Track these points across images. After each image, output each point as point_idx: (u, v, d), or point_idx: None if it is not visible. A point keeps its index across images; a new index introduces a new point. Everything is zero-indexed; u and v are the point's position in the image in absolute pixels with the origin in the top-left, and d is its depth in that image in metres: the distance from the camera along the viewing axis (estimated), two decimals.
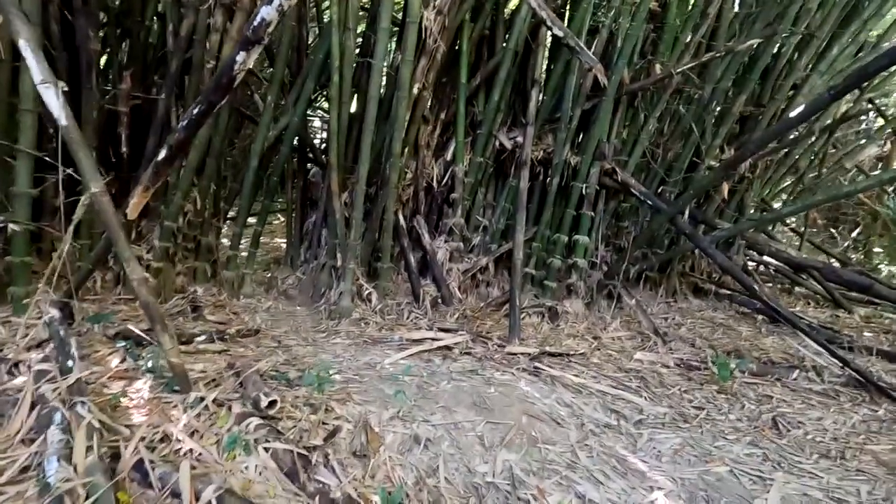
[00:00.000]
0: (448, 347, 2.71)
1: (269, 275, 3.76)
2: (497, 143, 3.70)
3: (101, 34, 2.85)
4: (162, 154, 1.59)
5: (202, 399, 1.62)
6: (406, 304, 3.36)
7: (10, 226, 2.38)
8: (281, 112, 3.34)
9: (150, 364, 1.86)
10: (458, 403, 1.98)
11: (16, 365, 1.82)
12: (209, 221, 3.32)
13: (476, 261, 3.69)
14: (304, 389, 1.88)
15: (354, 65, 3.11)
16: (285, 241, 4.05)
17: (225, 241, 3.61)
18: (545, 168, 3.66)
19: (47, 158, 2.37)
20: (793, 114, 3.60)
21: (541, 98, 3.53)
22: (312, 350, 2.61)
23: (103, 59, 3.09)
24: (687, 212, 3.21)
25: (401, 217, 3.54)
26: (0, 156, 2.40)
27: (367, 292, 3.27)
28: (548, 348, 2.77)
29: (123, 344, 2.05)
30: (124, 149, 3.09)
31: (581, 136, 3.66)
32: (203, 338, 2.41)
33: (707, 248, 3.03)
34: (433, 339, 2.82)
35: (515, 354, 2.62)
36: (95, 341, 2.21)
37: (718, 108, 3.76)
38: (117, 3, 3.12)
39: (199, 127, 1.61)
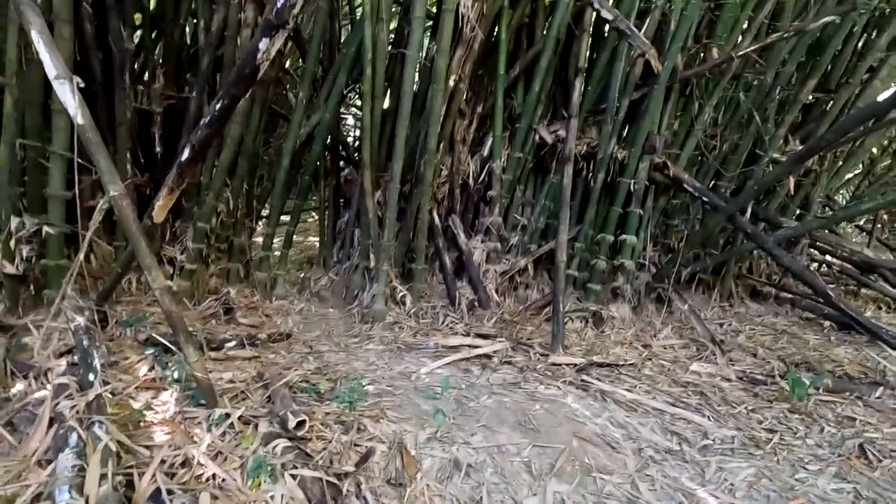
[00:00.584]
0: (487, 356, 2.54)
1: (303, 275, 3.69)
2: (537, 138, 3.49)
3: (136, 34, 2.82)
4: (185, 154, 1.49)
5: (227, 416, 1.51)
6: (441, 307, 3.21)
7: (45, 228, 2.35)
8: (313, 109, 3.24)
9: (176, 374, 1.77)
10: (500, 422, 1.81)
11: (45, 373, 1.77)
12: (242, 222, 3.26)
13: (514, 262, 3.50)
14: (335, 404, 1.76)
15: (388, 58, 2.97)
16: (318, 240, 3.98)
17: (259, 241, 3.56)
18: (589, 163, 3.43)
19: (80, 161, 2.33)
20: (882, 97, 3.23)
21: (584, 88, 3.29)
22: (345, 357, 2.50)
23: (140, 61, 3.07)
24: (749, 209, 2.91)
25: (436, 216, 3.39)
26: (34, 158, 2.38)
27: (400, 295, 3.14)
28: (595, 358, 2.56)
29: (152, 351, 1.98)
30: (158, 149, 3.06)
31: (628, 128, 3.41)
32: (233, 343, 2.33)
33: (773, 249, 2.75)
34: (470, 347, 2.66)
35: (560, 365, 2.43)
36: (126, 347, 2.16)
37: (782, 95, 3.43)
38: (153, 3, 3.09)
39: (223, 123, 1.50)
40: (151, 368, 1.89)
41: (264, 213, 3.70)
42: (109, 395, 1.65)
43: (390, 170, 2.96)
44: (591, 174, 3.43)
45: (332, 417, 1.65)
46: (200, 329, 2.62)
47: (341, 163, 3.76)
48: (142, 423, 1.50)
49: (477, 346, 2.64)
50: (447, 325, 3.04)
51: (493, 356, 2.54)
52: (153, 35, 3.12)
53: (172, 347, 2.13)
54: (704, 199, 3.05)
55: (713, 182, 3.60)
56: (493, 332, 2.94)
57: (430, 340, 2.72)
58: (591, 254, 3.43)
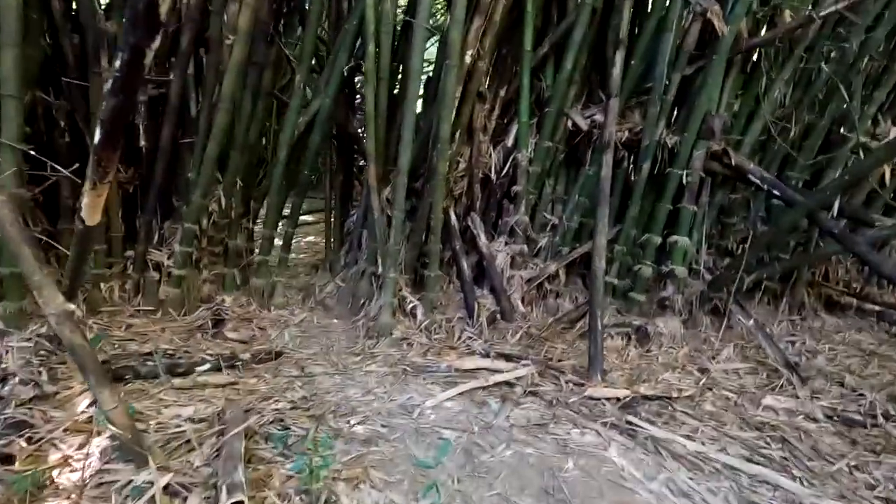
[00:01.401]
0: (509, 384, 2.11)
1: (308, 281, 3.34)
2: (569, 124, 3.02)
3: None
4: (97, 135, 1.13)
5: (151, 484, 1.14)
6: (458, 319, 2.79)
7: None
8: (313, 95, 2.88)
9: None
10: (520, 489, 1.38)
11: None
12: (237, 222, 2.93)
13: (543, 267, 3.04)
14: (304, 458, 1.37)
15: (395, 32, 2.57)
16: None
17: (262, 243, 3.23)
18: (631, 152, 2.93)
19: (33, 153, 2.04)
20: None
21: (626, 64, 2.80)
22: (340, 382, 2.12)
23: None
24: (836, 205, 2.36)
25: (452, 215, 2.97)
26: None
27: (411, 305, 2.74)
28: (642, 388, 2.09)
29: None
30: (143, 142, 2.76)
31: (678, 109, 2.89)
32: (206, 367, 1.98)
33: (868, 255, 2.21)
34: (489, 371, 2.23)
35: (599, 399, 1.97)
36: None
37: (870, 66, 2.84)
38: None
39: (132, 87, 1.13)
40: (93, 403, 1.55)
41: (263, 212, 3.35)
42: (23, 444, 1.31)
43: (398, 163, 2.56)
44: (633, 165, 2.94)
45: (293, 484, 1.26)
46: (179, 346, 2.30)
47: (354, 156, 3.40)
48: (44, 491, 1.15)
49: (497, 371, 2.21)
50: (463, 341, 2.62)
51: (517, 384, 2.10)
52: None
53: (147, 366, 1.81)
54: (776, 193, 2.52)
55: (780, 172, 3.04)
56: (516, 352, 2.51)
57: (442, 362, 2.31)
58: (633, 258, 2.93)
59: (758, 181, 2.59)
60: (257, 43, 2.56)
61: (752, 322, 2.66)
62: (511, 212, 3.01)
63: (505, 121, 3.08)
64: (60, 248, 2.66)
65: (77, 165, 2.46)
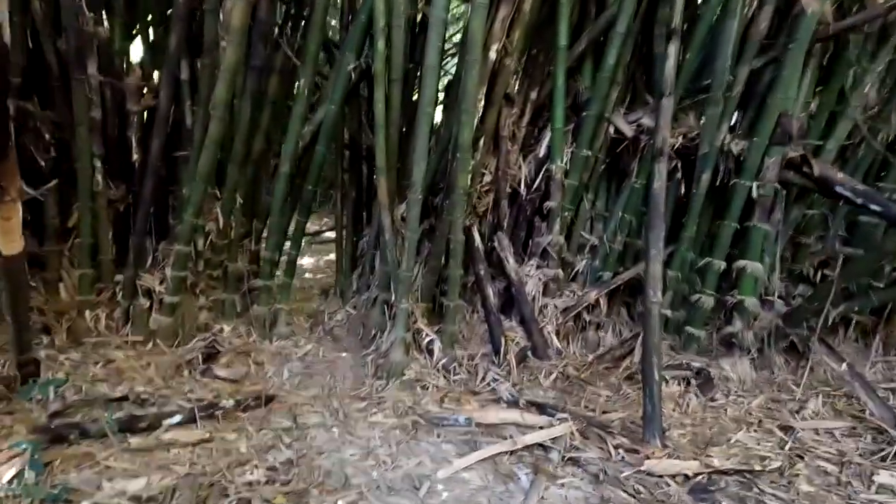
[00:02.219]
0: (542, 446, 1.70)
1: (318, 307, 3.03)
2: (611, 130, 2.63)
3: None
4: None
5: None
6: (481, 356, 2.40)
7: None
8: (320, 101, 2.59)
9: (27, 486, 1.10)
10: None
11: None
12: (237, 243, 2.64)
13: (581, 295, 2.63)
14: None
15: (409, 27, 2.25)
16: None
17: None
18: (685, 161, 2.50)
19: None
20: None
21: (681, 58, 2.38)
22: (336, 437, 1.76)
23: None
24: None
25: (476, 235, 2.60)
26: None
27: (427, 340, 2.37)
28: (715, 460, 1.64)
29: (26, 446, 1.32)
30: (135, 156, 2.53)
31: (744, 109, 2.45)
32: (177, 419, 1.65)
33: None
34: (518, 426, 1.83)
35: (660, 476, 1.54)
36: (24, 426, 1.54)
37: None
38: None
39: None
40: (15, 479, 1.24)
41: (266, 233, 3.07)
42: None
43: (412, 176, 2.21)
44: (686, 176, 2.50)
45: None
46: (158, 388, 2.00)
47: (366, 168, 3.09)
48: None
49: (528, 427, 1.81)
50: (487, 383, 2.22)
51: (552, 448, 1.69)
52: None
53: (80, 431, 1.50)
54: (874, 208, 2.04)
55: (867, 180, 2.54)
56: (551, 400, 2.10)
57: (461, 413, 1.92)
58: (690, 285, 2.48)
59: (848, 194, 2.12)
60: (256, 44, 2.29)
61: (844, 367, 2.16)
62: (543, 231, 2.62)
63: (536, 127, 2.71)
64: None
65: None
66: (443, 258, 2.46)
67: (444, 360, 2.29)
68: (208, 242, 2.57)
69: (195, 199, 2.30)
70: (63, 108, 2.27)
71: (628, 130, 2.55)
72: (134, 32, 2.49)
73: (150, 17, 2.45)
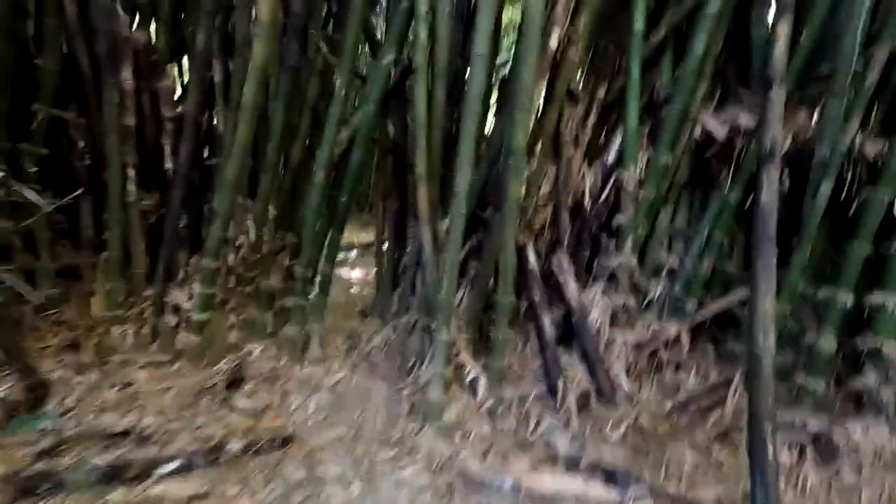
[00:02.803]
0: None
1: (357, 328, 2.78)
2: (697, 132, 2.19)
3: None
4: None
5: None
6: (534, 398, 2.03)
7: None
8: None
9: None
10: None
11: None
12: (270, 258, 2.45)
13: (657, 328, 2.19)
14: None
15: (454, 13, 1.97)
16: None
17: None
18: (796, 168, 2.02)
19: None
20: None
21: (794, 41, 1.92)
22: (355, 498, 1.46)
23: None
24: None
25: (531, 254, 2.24)
26: None
27: (470, 376, 2.03)
28: None
29: None
30: (168, 164, 2.40)
31: (880, 102, 1.93)
32: (171, 467, 1.42)
33: None
34: (578, 498, 1.45)
35: None
36: (10, 464, 1.37)
37: None
38: None
39: None
40: None
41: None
42: None
43: (456, 184, 1.91)
44: (795, 185, 2.02)
45: None
46: (167, 420, 1.80)
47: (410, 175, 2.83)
48: None
49: (592, 502, 1.42)
50: (541, 434, 1.85)
51: None
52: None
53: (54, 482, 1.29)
54: None
55: None
56: (621, 462, 1.69)
57: (507, 476, 1.57)
58: (802, 324, 1.98)
59: None
60: (290, 41, 2.09)
61: None
62: (611, 251, 2.22)
63: (604, 130, 2.33)
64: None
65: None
66: (491, 281, 2.12)
67: (489, 402, 1.95)
68: (240, 257, 2.41)
69: (223, 209, 2.12)
70: (97, 115, 2.19)
71: (720, 131, 2.11)
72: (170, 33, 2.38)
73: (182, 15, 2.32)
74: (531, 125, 1.92)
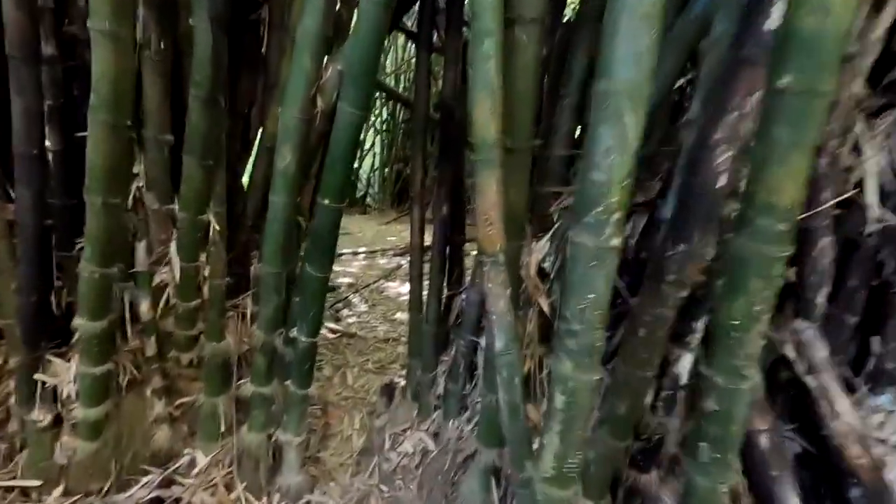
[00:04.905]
0: None
1: (374, 415, 1.72)
2: None
3: None
4: None
5: None
6: None
7: None
8: None
9: None
10: None
11: None
12: (216, 304, 1.41)
13: None
14: None
15: None
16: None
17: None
18: None
19: None
20: None
21: None
22: None
23: None
24: None
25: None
26: None
27: None
28: None
29: None
30: None
31: None
32: None
33: None
34: None
35: None
36: None
37: None
38: None
39: None
40: None
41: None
42: None
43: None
44: None
45: None
46: None
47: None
48: None
49: None
50: None
51: None
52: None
53: None
54: None
55: None
56: None
57: None
58: None
59: None
60: None
61: None
62: None
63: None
64: None
65: None
66: (632, 399, 0.92)
67: None
68: (165, 303, 1.39)
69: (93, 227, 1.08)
70: None
71: None
72: None
73: None
74: None
